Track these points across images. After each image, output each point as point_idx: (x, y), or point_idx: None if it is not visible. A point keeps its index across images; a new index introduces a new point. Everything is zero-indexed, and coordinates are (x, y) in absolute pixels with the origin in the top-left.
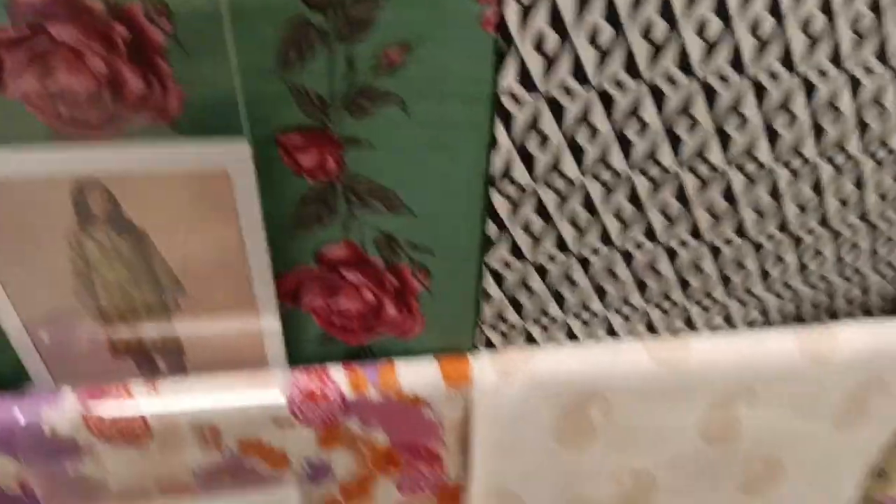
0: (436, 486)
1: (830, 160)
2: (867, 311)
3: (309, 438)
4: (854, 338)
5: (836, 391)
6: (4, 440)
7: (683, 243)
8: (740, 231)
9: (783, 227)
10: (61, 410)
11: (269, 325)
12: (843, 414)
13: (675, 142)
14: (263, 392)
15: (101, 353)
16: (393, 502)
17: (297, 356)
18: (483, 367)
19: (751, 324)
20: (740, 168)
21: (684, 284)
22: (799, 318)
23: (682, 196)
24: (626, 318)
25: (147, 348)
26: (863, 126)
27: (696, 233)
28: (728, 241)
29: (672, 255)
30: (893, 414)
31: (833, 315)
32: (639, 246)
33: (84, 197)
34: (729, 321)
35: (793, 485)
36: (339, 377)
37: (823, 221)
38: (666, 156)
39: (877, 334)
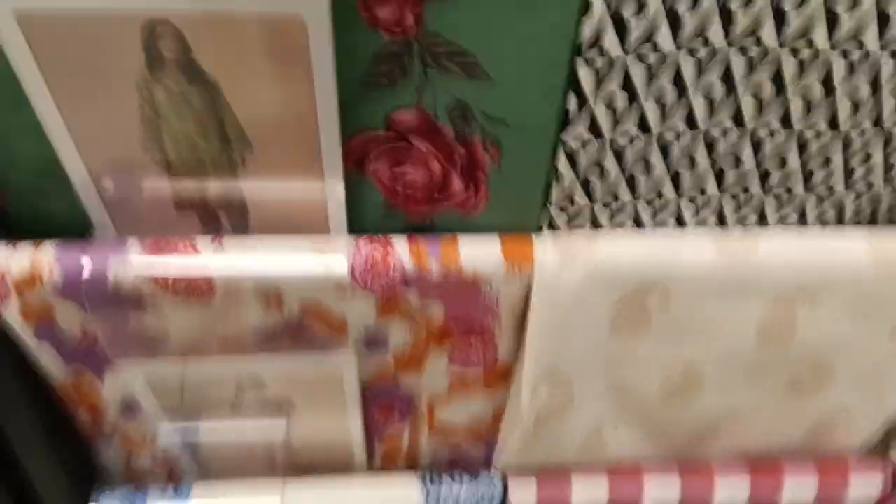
0: (486, 363)
1: None
2: None
3: (368, 307)
4: None
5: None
6: (70, 287)
7: (772, 133)
8: (833, 123)
9: (876, 122)
10: (127, 262)
11: (334, 188)
12: None
13: (779, 20)
14: (327, 258)
15: (164, 206)
16: (442, 374)
17: (358, 225)
18: (546, 249)
19: (824, 223)
20: (845, 54)
21: (764, 176)
22: (873, 222)
23: (778, 80)
24: (698, 208)
25: (211, 205)
26: None
27: (786, 121)
28: (818, 134)
29: (757, 144)
30: None
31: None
32: (724, 132)
33: (155, 39)
34: (803, 218)
35: (839, 392)
36: (401, 248)
37: None
38: (768, 35)
39: None
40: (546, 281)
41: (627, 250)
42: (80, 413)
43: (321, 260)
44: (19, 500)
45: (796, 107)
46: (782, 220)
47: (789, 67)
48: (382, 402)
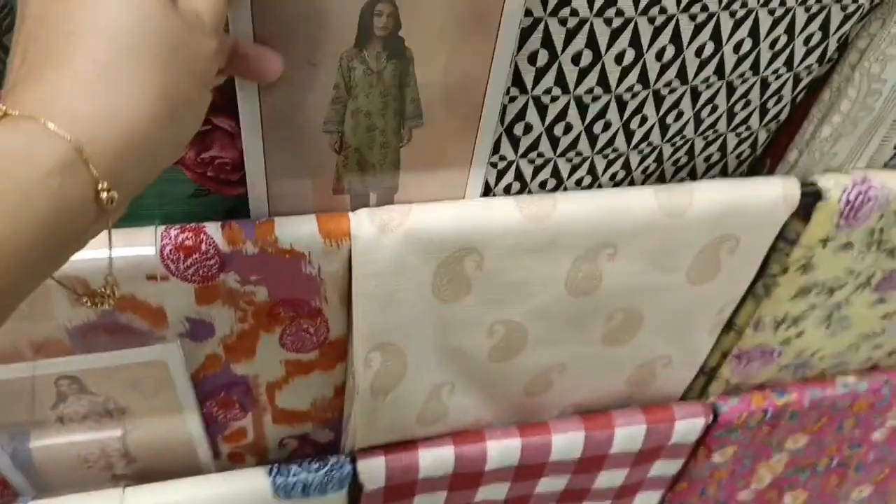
0: (318, 342)
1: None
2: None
3: (186, 294)
4: (708, 196)
5: (690, 246)
6: None
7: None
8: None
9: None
10: None
11: (484, 151)
12: (697, 268)
13: None
14: (134, 247)
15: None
16: (276, 360)
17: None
18: (361, 221)
19: (615, 181)
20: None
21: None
22: (661, 178)
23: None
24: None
25: (366, 181)
26: None
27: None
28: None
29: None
30: (743, 270)
31: (693, 176)
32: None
33: (372, 16)
34: (594, 176)
35: (649, 336)
36: (213, 231)
37: (684, 78)
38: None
39: (729, 193)
40: (364, 252)
41: (440, 218)
42: None
43: (130, 250)
44: None
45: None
46: (577, 181)
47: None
48: (219, 395)
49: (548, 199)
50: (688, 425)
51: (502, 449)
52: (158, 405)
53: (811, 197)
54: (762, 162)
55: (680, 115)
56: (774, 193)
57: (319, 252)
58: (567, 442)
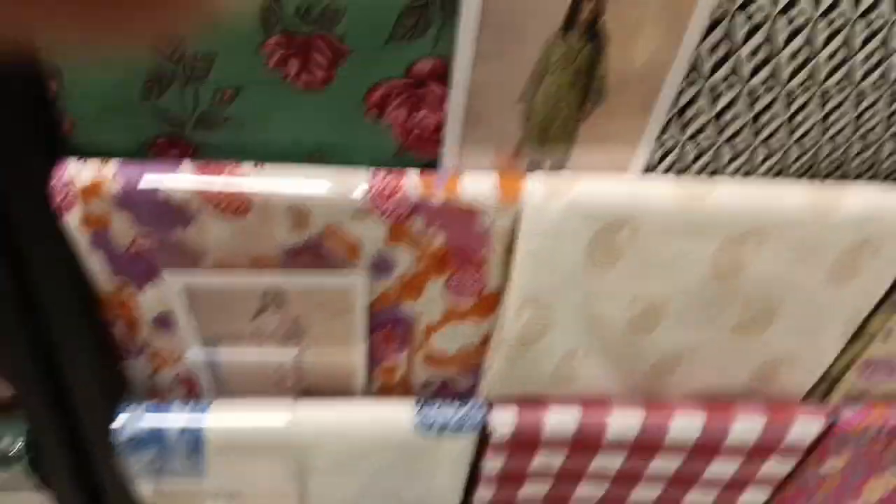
0: (478, 291)
1: None
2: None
3: (381, 231)
4: (857, 198)
5: (834, 246)
6: (127, 198)
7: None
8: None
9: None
10: (178, 178)
11: (654, 129)
12: (837, 269)
13: None
14: (350, 183)
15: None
16: (438, 301)
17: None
18: (534, 184)
19: (770, 173)
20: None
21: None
22: (815, 176)
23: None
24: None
25: (544, 150)
26: None
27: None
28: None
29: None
30: (881, 278)
31: (846, 177)
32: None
33: (581, 2)
34: (751, 166)
35: (780, 331)
36: (412, 178)
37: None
38: None
39: (879, 199)
40: (532, 212)
41: (603, 189)
42: (118, 326)
43: (344, 184)
44: (55, 403)
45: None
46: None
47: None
48: (384, 329)
49: (705, 182)
50: (805, 427)
51: (625, 420)
52: (335, 330)
53: None
54: None
55: (843, 115)
56: None
57: (494, 207)
58: (687, 424)
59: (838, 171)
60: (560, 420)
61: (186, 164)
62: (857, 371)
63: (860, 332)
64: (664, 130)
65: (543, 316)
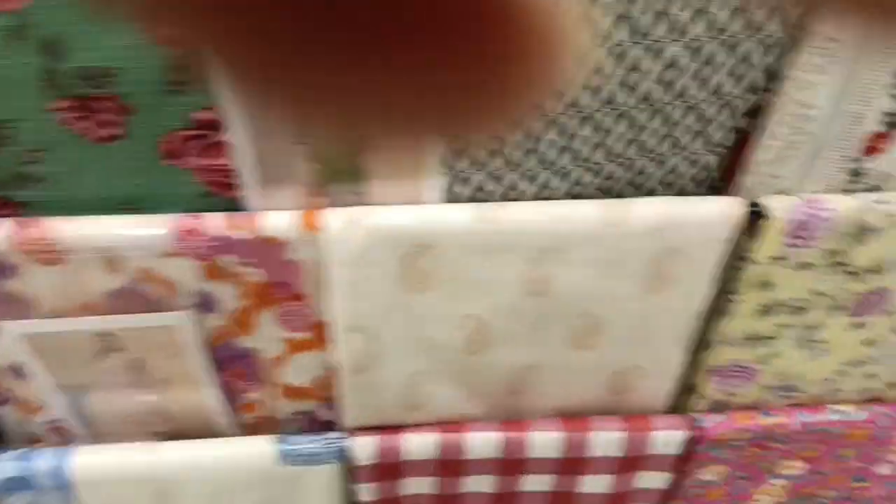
0: (310, 323)
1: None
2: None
3: (193, 271)
4: (647, 210)
5: (636, 256)
6: None
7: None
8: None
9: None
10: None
11: None
12: (648, 279)
13: None
14: (153, 228)
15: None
16: (276, 337)
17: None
18: (334, 216)
19: (571, 196)
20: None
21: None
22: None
23: None
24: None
25: (338, 185)
26: None
27: None
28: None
29: None
30: (696, 284)
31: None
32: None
33: None
34: (549, 191)
35: (614, 342)
36: (215, 218)
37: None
38: None
39: (669, 209)
40: (334, 241)
41: (400, 217)
42: None
43: (149, 228)
44: None
45: None
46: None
47: None
48: (232, 366)
49: (499, 205)
50: (667, 436)
51: (483, 439)
52: (179, 370)
53: (756, 216)
54: (722, 186)
55: (620, 136)
56: (715, 210)
57: (297, 239)
58: (546, 439)
59: (640, 191)
60: (419, 444)
61: (4, 221)
62: (710, 379)
63: (705, 340)
64: (455, 162)
65: (373, 343)
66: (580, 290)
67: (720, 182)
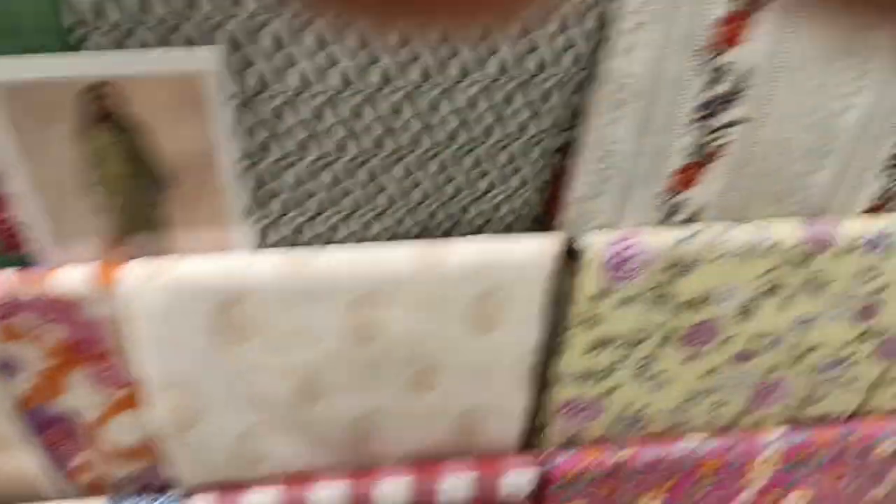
0: (123, 381)
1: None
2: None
3: None
4: (464, 251)
5: (458, 298)
6: None
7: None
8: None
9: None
10: None
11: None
12: (474, 320)
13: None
14: None
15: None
16: (92, 396)
17: None
18: (131, 270)
19: (384, 238)
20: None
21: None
22: (431, 237)
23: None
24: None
25: (136, 237)
26: None
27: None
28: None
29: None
30: (524, 323)
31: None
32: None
33: (93, 98)
34: (361, 234)
35: (452, 384)
36: (5, 276)
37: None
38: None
39: (487, 249)
40: (131, 298)
41: (206, 268)
42: None
43: None
44: None
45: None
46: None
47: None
48: (50, 429)
49: (310, 251)
50: (518, 478)
51: (329, 491)
52: None
53: (575, 253)
54: (546, 222)
55: (433, 177)
56: (533, 248)
57: (94, 298)
58: (394, 487)
59: (455, 230)
60: (259, 501)
61: None
62: (557, 416)
63: (547, 377)
64: (258, 208)
65: (193, 400)
66: (408, 333)
67: (545, 218)
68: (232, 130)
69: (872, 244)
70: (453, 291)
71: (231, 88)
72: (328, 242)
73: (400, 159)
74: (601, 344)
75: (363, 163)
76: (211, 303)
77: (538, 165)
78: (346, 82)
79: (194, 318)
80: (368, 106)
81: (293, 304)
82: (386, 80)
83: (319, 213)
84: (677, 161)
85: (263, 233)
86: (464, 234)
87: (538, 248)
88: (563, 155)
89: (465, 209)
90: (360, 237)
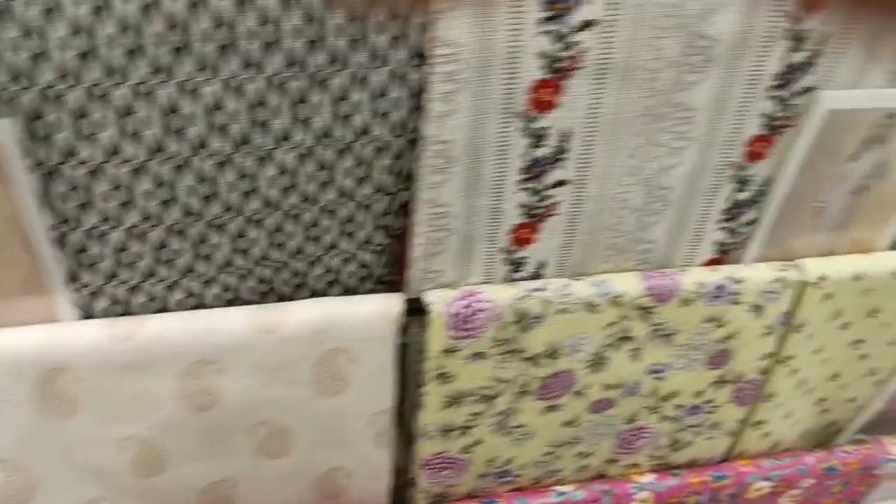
0: None
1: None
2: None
3: None
4: (304, 312)
5: (300, 361)
6: None
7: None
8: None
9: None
10: None
11: None
12: (322, 381)
13: None
14: None
15: None
16: None
17: None
18: None
19: (222, 301)
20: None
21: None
22: (278, 298)
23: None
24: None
25: None
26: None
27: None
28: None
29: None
30: (375, 381)
31: (314, 294)
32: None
33: None
34: (197, 298)
35: (307, 447)
36: None
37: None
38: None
39: (328, 310)
40: None
41: (24, 339)
42: None
43: None
44: None
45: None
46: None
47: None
48: None
49: (136, 319)
50: None
51: None
52: None
53: (419, 311)
54: (394, 281)
55: (253, 240)
56: (374, 309)
57: None
58: None
59: (302, 290)
60: None
61: None
62: (422, 472)
63: (410, 434)
64: (79, 276)
65: (21, 476)
66: (250, 399)
67: (394, 275)
68: (39, 199)
69: (714, 294)
70: (294, 355)
71: (34, 158)
72: (163, 307)
73: (228, 221)
74: (456, 399)
75: (188, 226)
76: (33, 375)
77: (373, 227)
78: (156, 149)
79: (16, 391)
80: (185, 171)
81: (121, 375)
82: (200, 145)
83: (149, 278)
84: (512, 219)
85: (90, 300)
86: (313, 291)
87: (380, 308)
88: (403, 215)
89: (311, 265)
90: (198, 299)
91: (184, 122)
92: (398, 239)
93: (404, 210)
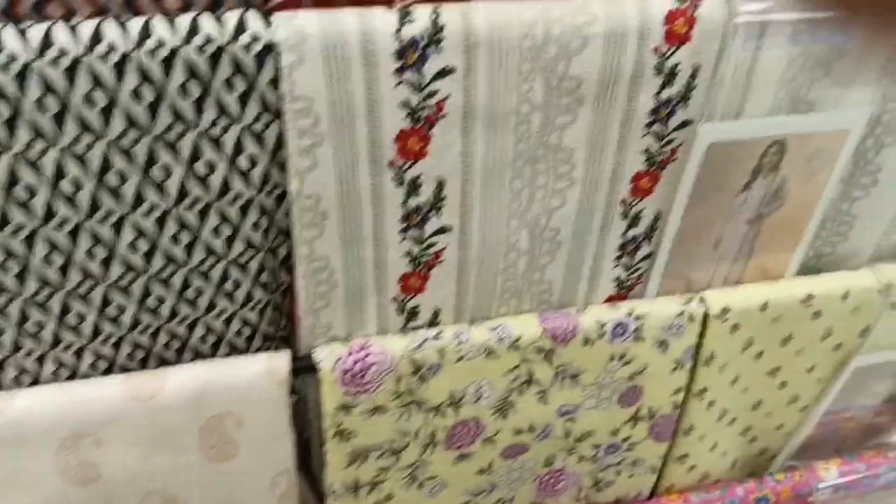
0: None
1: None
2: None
3: None
4: (183, 377)
5: (182, 427)
6: None
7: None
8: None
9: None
10: None
11: None
12: (211, 446)
13: None
14: None
15: None
16: None
17: None
18: None
19: (100, 371)
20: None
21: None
22: (160, 363)
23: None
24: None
25: None
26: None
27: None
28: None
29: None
30: (268, 443)
31: (199, 356)
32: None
33: None
34: (70, 369)
35: None
36: None
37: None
38: None
39: (210, 373)
40: None
41: None
42: None
43: None
44: None
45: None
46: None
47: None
48: None
49: (4, 394)
50: None
51: None
52: None
53: (309, 369)
54: (285, 338)
55: (122, 306)
56: (259, 369)
57: None
58: None
59: (185, 353)
60: None
61: None
62: None
63: (318, 493)
64: None
65: None
66: (136, 470)
67: (283, 331)
68: None
69: (618, 332)
70: (175, 422)
71: None
72: (35, 379)
73: (90, 290)
74: (360, 455)
75: (49, 296)
76: None
77: (252, 284)
78: (1, 223)
79: None
80: (35, 242)
81: None
82: (47, 215)
83: (15, 352)
84: (400, 269)
85: None
86: (197, 353)
87: (266, 368)
88: (286, 270)
89: (190, 328)
90: (72, 370)
91: (25, 193)
92: (285, 294)
93: (286, 265)
